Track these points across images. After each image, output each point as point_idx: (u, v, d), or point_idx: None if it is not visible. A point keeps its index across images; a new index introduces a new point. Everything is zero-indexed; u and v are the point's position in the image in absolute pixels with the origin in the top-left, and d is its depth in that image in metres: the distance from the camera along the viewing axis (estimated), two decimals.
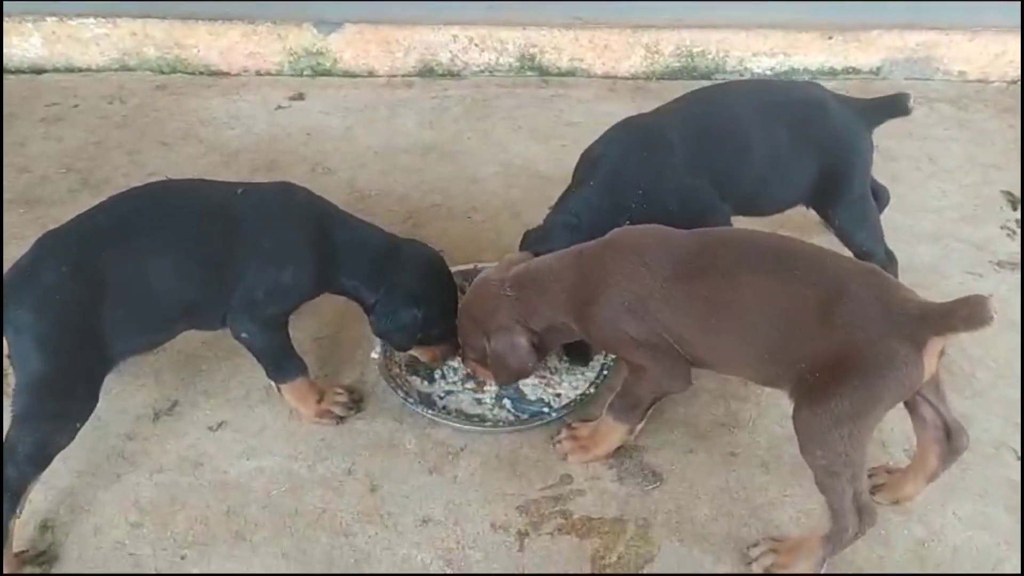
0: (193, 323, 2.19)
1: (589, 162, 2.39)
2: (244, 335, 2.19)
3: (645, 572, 2.00)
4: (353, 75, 3.87)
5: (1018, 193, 3.17)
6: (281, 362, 2.26)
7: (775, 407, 2.30)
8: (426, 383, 2.43)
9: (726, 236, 2.03)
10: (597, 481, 2.19)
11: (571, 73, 3.89)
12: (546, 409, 2.35)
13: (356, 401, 2.36)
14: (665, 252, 1.97)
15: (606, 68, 3.89)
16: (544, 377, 2.43)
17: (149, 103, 3.65)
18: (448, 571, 2.00)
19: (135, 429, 2.29)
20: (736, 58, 3.87)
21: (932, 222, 3.03)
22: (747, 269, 1.87)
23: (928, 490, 2.08)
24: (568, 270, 2.08)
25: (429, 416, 2.30)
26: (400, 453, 2.25)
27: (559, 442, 2.25)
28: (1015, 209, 3.10)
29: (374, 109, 3.65)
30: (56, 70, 3.83)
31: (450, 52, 3.86)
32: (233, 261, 2.10)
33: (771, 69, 3.89)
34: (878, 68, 3.89)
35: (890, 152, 3.29)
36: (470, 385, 2.41)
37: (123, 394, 2.36)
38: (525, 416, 2.34)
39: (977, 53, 3.86)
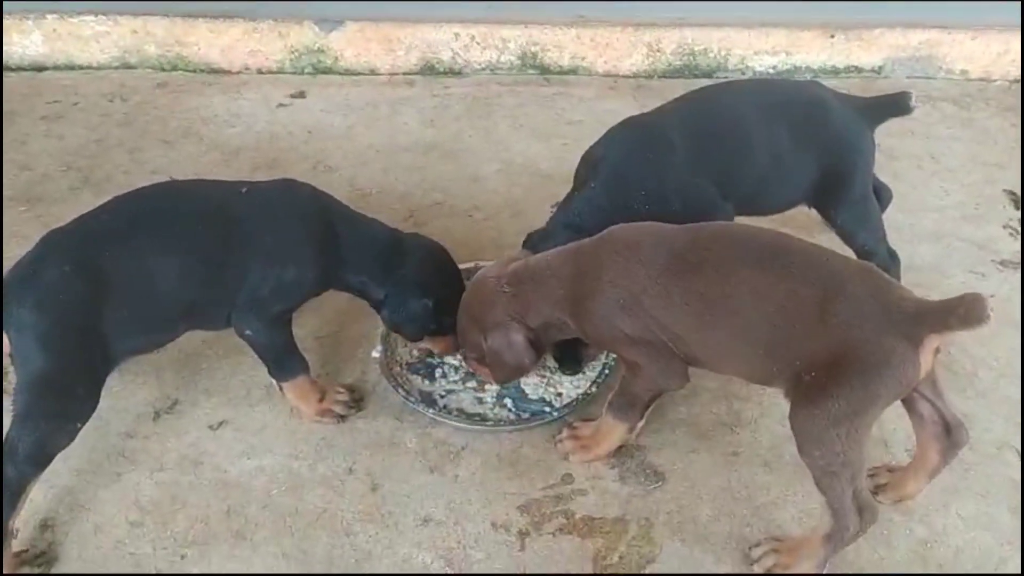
0: (196, 323, 2.18)
1: (591, 163, 2.39)
2: (248, 332, 2.19)
3: (647, 572, 2.00)
4: (354, 73, 3.86)
5: (1020, 192, 3.16)
6: (284, 360, 2.26)
7: (777, 406, 2.29)
8: (427, 382, 2.42)
9: (721, 231, 2.02)
10: (599, 481, 2.18)
11: (572, 71, 3.89)
12: (547, 408, 2.35)
13: (357, 400, 2.36)
14: (660, 248, 1.96)
15: (608, 66, 3.88)
16: (545, 376, 2.42)
17: (150, 101, 3.65)
18: (449, 571, 1.99)
19: (135, 428, 2.29)
20: (738, 56, 3.86)
21: (934, 221, 3.02)
22: (742, 265, 1.87)
23: (930, 490, 2.07)
24: (564, 266, 2.07)
25: (430, 415, 2.29)
26: (401, 452, 2.25)
27: (560, 441, 2.25)
28: (1017, 208, 3.10)
29: (375, 107, 3.65)
30: (57, 68, 3.82)
31: (451, 50, 3.85)
32: (237, 260, 2.10)
33: (773, 68, 3.89)
34: (880, 67, 3.89)
35: (892, 151, 3.28)
36: (471, 384, 2.41)
37: (123, 393, 2.36)
38: (526, 415, 2.33)
39: (980, 52, 3.85)
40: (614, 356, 2.40)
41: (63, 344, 1.93)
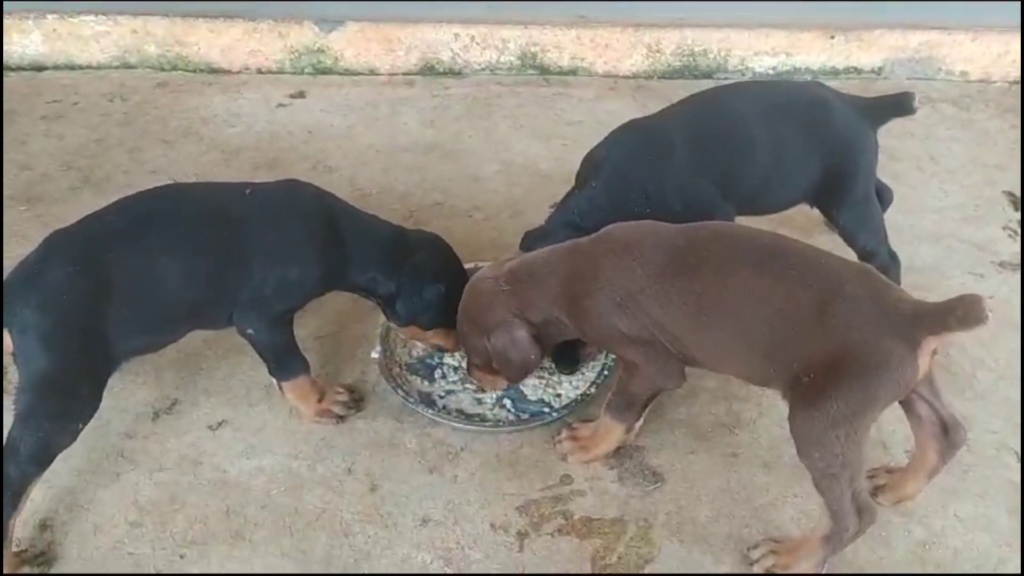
0: (199, 323, 2.19)
1: (592, 164, 2.39)
2: (250, 331, 2.19)
3: (645, 573, 2.00)
4: (354, 73, 3.86)
5: (1020, 193, 3.16)
6: (285, 360, 2.26)
7: (776, 407, 2.30)
8: (426, 382, 2.42)
9: (719, 232, 2.01)
10: (597, 481, 2.19)
11: (572, 72, 3.88)
12: (546, 409, 2.35)
13: (356, 400, 2.36)
14: (657, 247, 1.97)
15: (607, 67, 3.88)
16: (544, 377, 2.43)
17: (150, 101, 3.64)
18: (448, 571, 2.00)
19: (135, 428, 2.29)
20: (738, 57, 3.86)
21: (934, 222, 3.02)
22: (740, 266, 1.87)
23: (929, 491, 2.08)
24: (561, 264, 2.07)
25: (429, 416, 2.30)
26: (400, 453, 2.25)
27: (559, 442, 2.25)
28: (1017, 210, 3.10)
29: (375, 107, 3.65)
30: (57, 67, 3.81)
31: (451, 51, 3.85)
32: (241, 260, 2.10)
33: (773, 68, 3.89)
34: (880, 68, 3.88)
35: (892, 152, 3.28)
36: (470, 385, 2.41)
37: (123, 392, 2.36)
38: (525, 416, 2.33)
39: (980, 53, 3.85)
40: (613, 357, 2.40)
41: (67, 344, 1.93)
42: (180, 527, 2.07)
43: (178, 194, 2.22)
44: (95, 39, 3.79)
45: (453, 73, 3.88)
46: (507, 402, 2.37)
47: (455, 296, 2.25)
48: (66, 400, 1.95)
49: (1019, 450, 2.25)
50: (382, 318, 2.50)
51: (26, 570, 1.96)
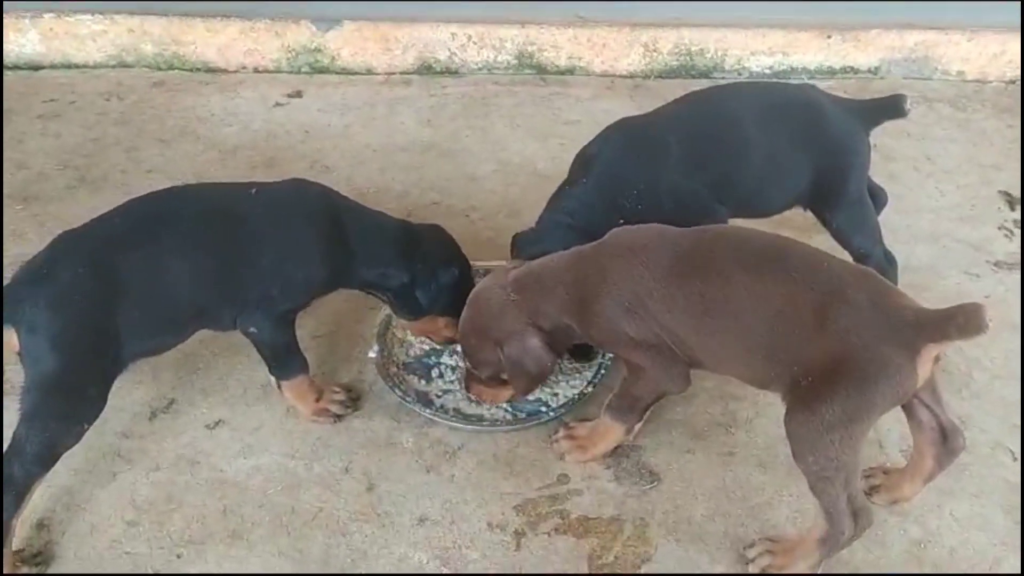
0: (206, 323, 2.19)
1: (584, 161, 2.39)
2: (252, 330, 2.18)
3: (642, 572, 2.00)
4: (351, 73, 3.86)
5: (1016, 193, 3.17)
6: (286, 359, 2.26)
7: (773, 407, 2.29)
8: (423, 382, 2.42)
9: (724, 234, 2.02)
10: (594, 481, 2.19)
11: (569, 71, 3.89)
12: (544, 408, 2.35)
13: (354, 400, 2.36)
14: (663, 251, 1.97)
15: (604, 66, 3.88)
16: None
17: (147, 100, 3.64)
18: (445, 570, 2.00)
19: (132, 427, 2.29)
20: (735, 57, 3.86)
21: (930, 222, 3.03)
22: (743, 268, 1.87)
23: (925, 491, 2.08)
24: (568, 270, 2.07)
25: (426, 415, 2.30)
26: (397, 452, 2.25)
27: (556, 441, 2.25)
28: (1013, 209, 3.10)
29: (372, 107, 3.65)
30: (53, 66, 3.81)
31: (448, 50, 3.85)
32: (248, 260, 2.11)
33: (769, 68, 3.89)
34: (876, 68, 3.89)
35: (888, 152, 3.29)
36: None
37: (120, 392, 2.34)
38: (522, 415, 2.33)
39: (976, 53, 3.86)
40: (610, 356, 2.41)
41: (75, 345, 1.93)
42: (177, 526, 2.07)
43: (184, 195, 2.21)
44: (92, 38, 3.79)
45: (450, 72, 3.88)
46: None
47: (467, 280, 2.27)
48: (73, 401, 1.95)
49: (1015, 449, 2.25)
50: (379, 317, 2.50)
51: (23, 570, 1.95)
